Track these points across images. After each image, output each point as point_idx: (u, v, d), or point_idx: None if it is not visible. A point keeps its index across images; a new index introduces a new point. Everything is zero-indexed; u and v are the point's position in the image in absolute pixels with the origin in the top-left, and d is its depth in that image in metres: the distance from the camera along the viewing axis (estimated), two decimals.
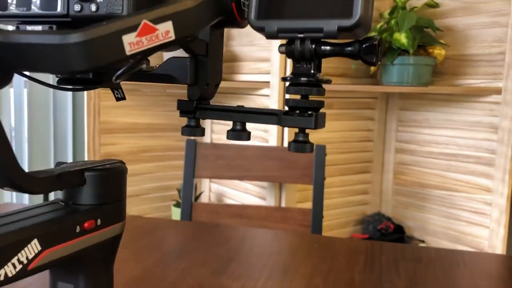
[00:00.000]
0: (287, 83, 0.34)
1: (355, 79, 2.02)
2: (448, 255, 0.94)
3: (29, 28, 0.37)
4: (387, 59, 1.83)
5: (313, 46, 0.33)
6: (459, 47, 1.89)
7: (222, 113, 0.37)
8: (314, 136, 1.95)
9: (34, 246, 0.32)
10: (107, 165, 0.40)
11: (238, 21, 0.35)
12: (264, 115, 0.36)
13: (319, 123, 0.33)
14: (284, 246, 1.00)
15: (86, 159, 1.94)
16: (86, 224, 0.37)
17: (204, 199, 2.24)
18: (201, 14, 0.32)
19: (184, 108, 0.38)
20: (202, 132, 0.38)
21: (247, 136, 0.37)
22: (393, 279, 0.81)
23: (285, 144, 1.83)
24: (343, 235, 2.10)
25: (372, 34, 1.85)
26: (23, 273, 0.31)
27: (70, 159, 2.20)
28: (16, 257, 0.31)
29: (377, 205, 2.20)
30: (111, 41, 0.27)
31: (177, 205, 2.10)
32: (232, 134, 0.36)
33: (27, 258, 0.32)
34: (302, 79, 0.33)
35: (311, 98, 0.34)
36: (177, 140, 2.20)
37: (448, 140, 1.95)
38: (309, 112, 0.33)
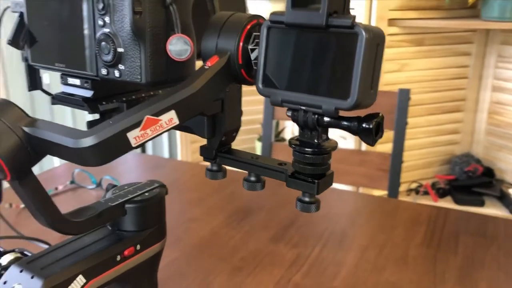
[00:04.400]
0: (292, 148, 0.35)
1: (450, 12, 1.85)
2: None
3: (70, 80, 0.42)
4: None
5: (316, 117, 0.33)
6: None
7: (239, 163, 0.40)
8: (399, 76, 1.87)
9: (79, 281, 0.39)
10: (147, 194, 0.45)
11: (249, 81, 0.37)
12: (274, 172, 0.38)
13: (321, 189, 0.35)
14: (346, 210, 1.03)
15: None
16: (126, 252, 0.43)
17: (287, 133, 2.30)
18: (209, 93, 0.34)
19: (205, 154, 0.41)
20: (224, 175, 0.42)
21: (261, 186, 0.39)
22: (448, 257, 0.82)
23: None
24: (426, 176, 2.06)
25: None
26: None
27: None
28: None
29: (467, 146, 2.10)
30: (118, 140, 0.31)
31: (260, 139, 2.17)
32: (247, 184, 0.39)
33: None
34: (307, 149, 0.34)
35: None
36: None
37: None
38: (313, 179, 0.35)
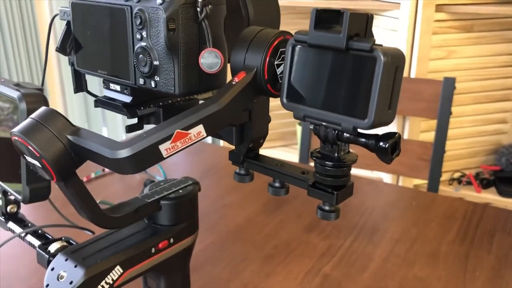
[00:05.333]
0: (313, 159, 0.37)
1: None
2: None
3: (111, 85, 0.45)
4: None
5: (336, 132, 0.35)
6: None
7: (265, 169, 0.42)
8: (446, 63, 1.82)
9: (117, 271, 0.43)
10: (181, 191, 0.49)
11: (275, 94, 0.38)
12: (296, 179, 0.40)
13: (340, 200, 0.36)
14: (380, 203, 1.04)
15: None
16: (160, 245, 0.46)
17: None
18: (235, 107, 0.36)
19: (233, 159, 0.44)
20: (251, 179, 0.44)
21: (285, 192, 0.42)
22: (481, 256, 0.81)
23: (412, 75, 1.75)
24: (470, 165, 2.01)
25: None
26: None
27: None
28: (104, 281, 0.42)
29: None
30: (151, 152, 0.34)
31: (301, 123, 2.18)
32: (271, 189, 0.42)
33: (112, 279, 0.42)
34: (327, 162, 0.36)
35: None
36: None
37: None
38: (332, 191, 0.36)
